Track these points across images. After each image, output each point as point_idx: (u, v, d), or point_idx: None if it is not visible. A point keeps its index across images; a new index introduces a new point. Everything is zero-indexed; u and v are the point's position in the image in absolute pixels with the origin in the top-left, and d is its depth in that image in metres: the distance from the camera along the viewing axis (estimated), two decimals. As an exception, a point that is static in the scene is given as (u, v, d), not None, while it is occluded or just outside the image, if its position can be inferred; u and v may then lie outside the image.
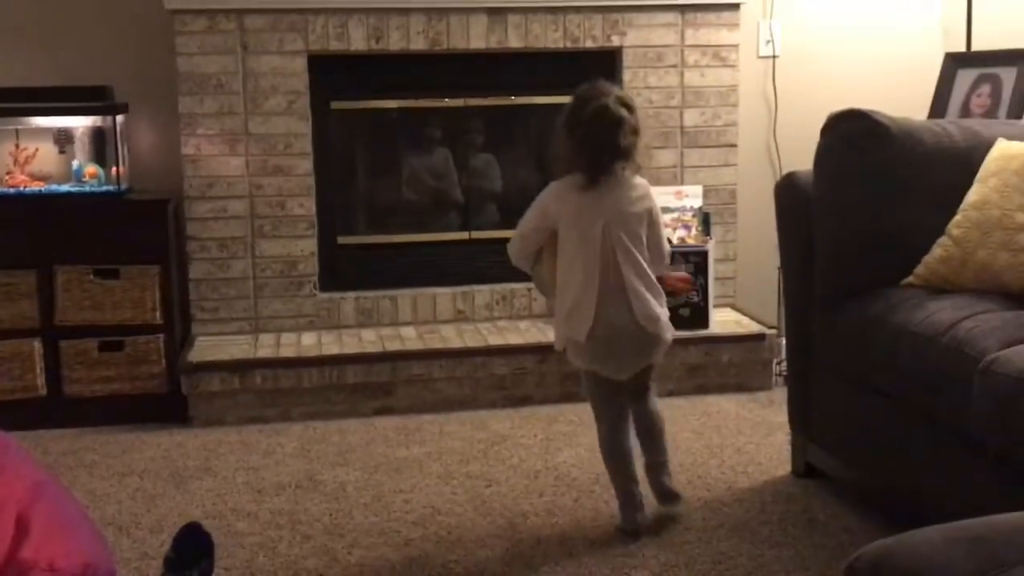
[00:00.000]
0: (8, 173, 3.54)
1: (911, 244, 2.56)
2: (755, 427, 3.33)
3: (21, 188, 3.49)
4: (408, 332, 3.75)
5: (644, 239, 2.48)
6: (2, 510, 2.16)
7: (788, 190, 2.84)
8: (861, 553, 1.15)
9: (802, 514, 2.65)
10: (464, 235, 3.96)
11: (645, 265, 2.47)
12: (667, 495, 2.61)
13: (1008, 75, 3.42)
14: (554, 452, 3.13)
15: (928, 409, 2.29)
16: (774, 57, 4.03)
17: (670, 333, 2.52)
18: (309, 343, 3.63)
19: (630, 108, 2.47)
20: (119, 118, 3.56)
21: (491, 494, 2.82)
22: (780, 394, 3.62)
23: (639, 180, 2.51)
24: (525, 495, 2.81)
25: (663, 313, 2.49)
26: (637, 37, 3.82)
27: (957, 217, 2.49)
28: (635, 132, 2.45)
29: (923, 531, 1.16)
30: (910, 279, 2.53)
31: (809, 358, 2.79)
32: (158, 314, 3.48)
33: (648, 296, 2.46)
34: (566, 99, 3.80)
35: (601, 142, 2.43)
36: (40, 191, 3.51)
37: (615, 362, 2.49)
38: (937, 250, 2.49)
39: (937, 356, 2.23)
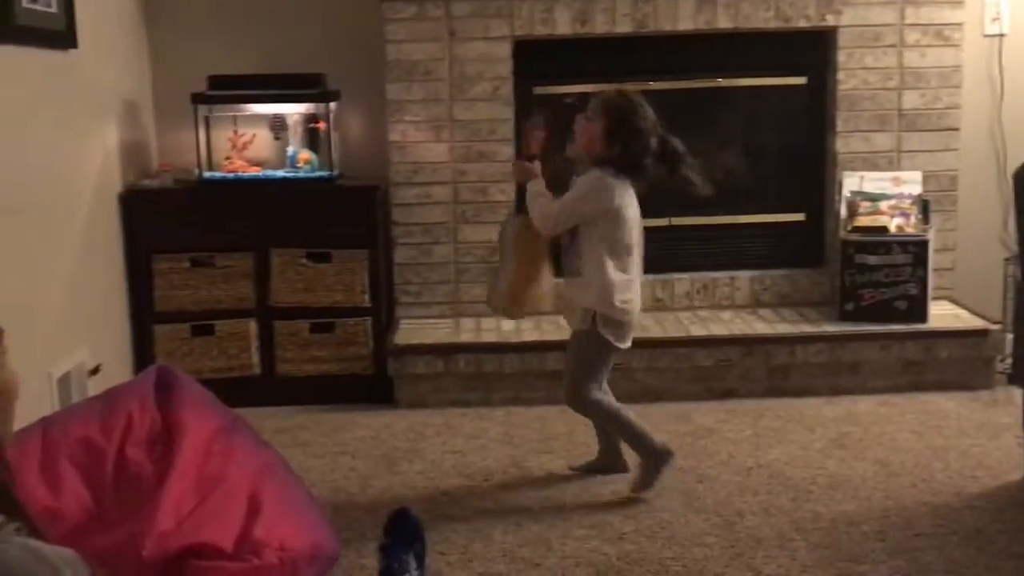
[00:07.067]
0: (227, 158, 3.67)
1: None
2: (980, 428, 3.14)
3: (239, 173, 3.62)
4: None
5: None
6: (235, 489, 2.23)
7: (1030, 178, 2.66)
8: None
9: (1043, 526, 2.49)
10: (664, 222, 3.87)
11: None
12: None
13: None
14: (765, 449, 3.03)
15: None
16: (1001, 36, 3.78)
17: None
18: (508, 329, 3.63)
19: None
20: (332, 105, 3.64)
21: (703, 490, 2.75)
22: (1004, 393, 3.42)
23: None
24: (739, 493, 2.73)
25: None
26: (854, 16, 3.64)
27: None
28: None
29: None
30: None
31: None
32: (367, 297, 3.55)
33: None
34: (776, 80, 3.79)
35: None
36: (257, 176, 3.62)
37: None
38: None
39: None
